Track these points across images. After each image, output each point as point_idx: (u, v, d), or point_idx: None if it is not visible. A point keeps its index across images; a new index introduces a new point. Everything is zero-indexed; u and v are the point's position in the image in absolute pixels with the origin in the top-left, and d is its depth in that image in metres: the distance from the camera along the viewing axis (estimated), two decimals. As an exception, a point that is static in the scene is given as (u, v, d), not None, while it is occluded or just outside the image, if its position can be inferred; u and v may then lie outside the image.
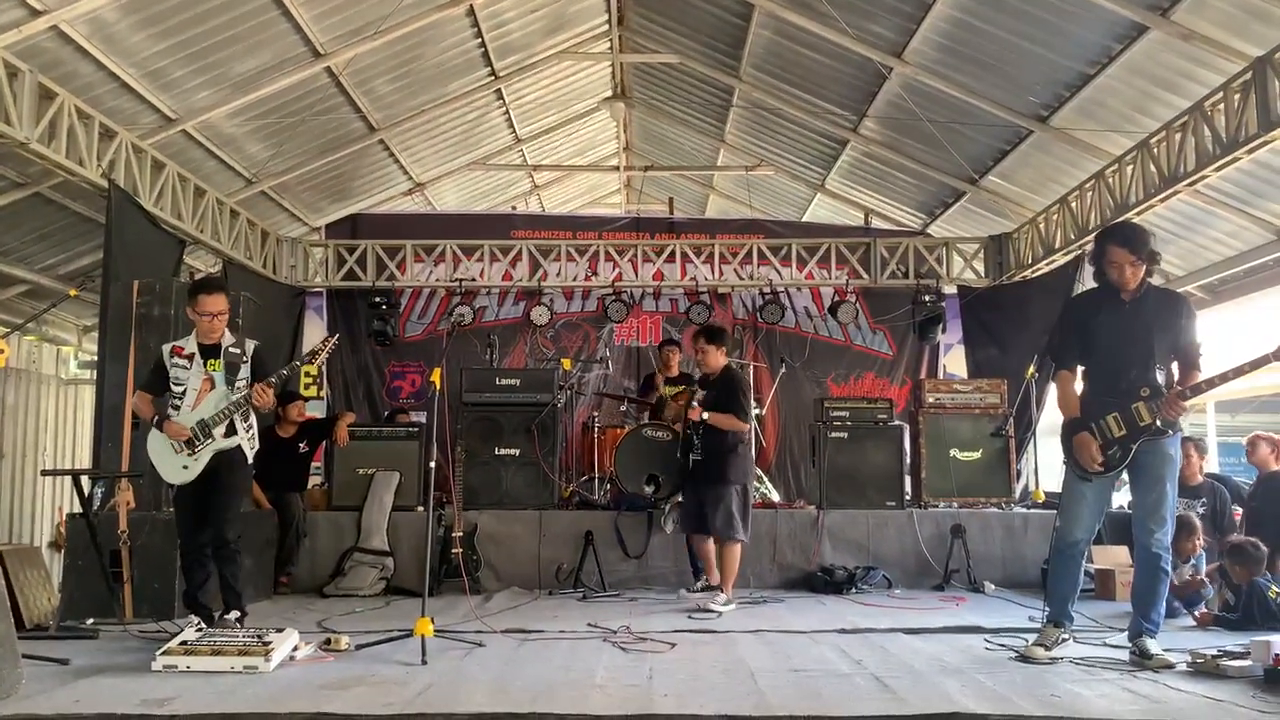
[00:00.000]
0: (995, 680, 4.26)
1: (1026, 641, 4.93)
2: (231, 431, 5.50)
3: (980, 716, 3.54)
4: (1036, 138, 9.00)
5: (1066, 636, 4.90)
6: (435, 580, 7.28)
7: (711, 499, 6.72)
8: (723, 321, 10.97)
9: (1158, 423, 4.64)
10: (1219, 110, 6.97)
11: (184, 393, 5.48)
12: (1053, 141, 8.96)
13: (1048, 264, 10.01)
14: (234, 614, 5.47)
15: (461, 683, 4.22)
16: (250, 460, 5.71)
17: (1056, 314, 6.72)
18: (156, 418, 5.47)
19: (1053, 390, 5.34)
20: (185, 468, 5.44)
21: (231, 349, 5.56)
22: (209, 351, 5.54)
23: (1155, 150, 7.79)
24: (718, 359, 6.89)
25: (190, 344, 5.56)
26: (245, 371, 5.56)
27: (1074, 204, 9.29)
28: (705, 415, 6.71)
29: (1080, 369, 5.00)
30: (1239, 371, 4.53)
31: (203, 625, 5.06)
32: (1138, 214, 8.09)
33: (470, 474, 7.90)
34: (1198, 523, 6.73)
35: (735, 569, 6.74)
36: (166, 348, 5.60)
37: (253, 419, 5.67)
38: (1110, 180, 8.52)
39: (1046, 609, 4.99)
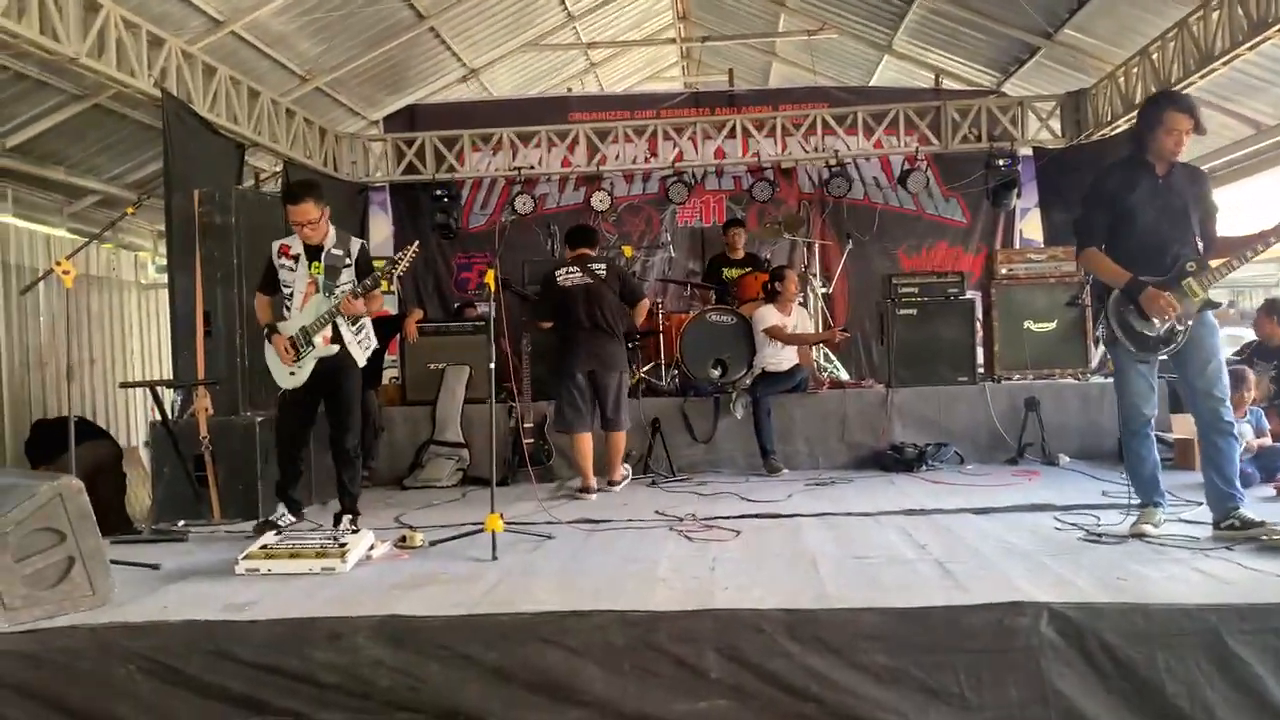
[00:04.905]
0: (1061, 564, 4.20)
1: (1128, 527, 4.76)
2: (337, 339, 5.44)
3: (1041, 605, 3.51)
4: (1116, -17, 8.44)
5: (1165, 517, 4.81)
6: (510, 471, 7.46)
7: None
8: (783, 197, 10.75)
9: (1208, 296, 4.56)
10: (1315, -56, 6.44)
11: (291, 294, 5.46)
12: (1133, -13, 8.39)
13: (1127, 121, 9.46)
14: (347, 518, 5.54)
15: (529, 578, 4.32)
16: (363, 362, 5.64)
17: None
18: (267, 327, 5.50)
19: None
20: (292, 374, 5.50)
21: (334, 250, 5.46)
22: (313, 253, 5.45)
23: (1245, -8, 7.23)
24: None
25: (296, 244, 5.47)
26: (350, 274, 5.48)
27: (1155, 56, 8.72)
28: None
29: (1104, 246, 4.75)
30: (1263, 239, 4.44)
31: (280, 528, 5.24)
32: (1224, 63, 7.60)
33: (538, 365, 7.95)
34: (1250, 374, 6.49)
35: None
36: (275, 245, 5.52)
37: (365, 320, 5.61)
38: (1195, 28, 7.95)
39: (1136, 496, 4.85)
